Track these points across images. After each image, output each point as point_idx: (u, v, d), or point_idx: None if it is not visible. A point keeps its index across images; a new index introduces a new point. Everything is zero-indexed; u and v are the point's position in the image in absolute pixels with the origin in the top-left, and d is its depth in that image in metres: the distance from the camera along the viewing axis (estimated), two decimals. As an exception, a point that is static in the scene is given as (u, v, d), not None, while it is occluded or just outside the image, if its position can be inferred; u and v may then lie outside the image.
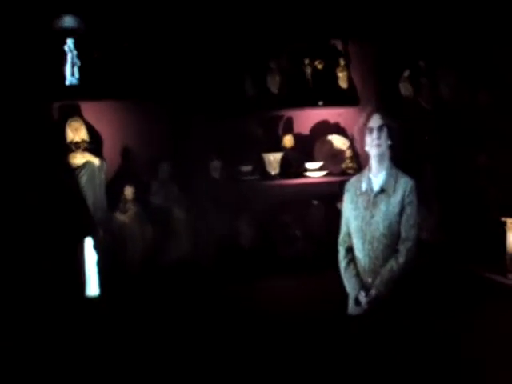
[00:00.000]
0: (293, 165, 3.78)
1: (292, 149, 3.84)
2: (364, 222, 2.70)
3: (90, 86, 3.31)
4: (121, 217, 3.41)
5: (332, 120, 4.00)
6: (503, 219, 3.31)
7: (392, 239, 2.69)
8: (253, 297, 3.33)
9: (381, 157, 2.76)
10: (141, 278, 3.33)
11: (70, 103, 3.43)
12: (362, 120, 2.87)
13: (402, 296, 2.75)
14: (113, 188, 3.47)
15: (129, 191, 3.42)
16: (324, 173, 3.75)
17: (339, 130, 3.97)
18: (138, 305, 3.16)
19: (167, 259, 3.44)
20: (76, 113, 3.46)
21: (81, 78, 3.28)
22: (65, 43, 3.17)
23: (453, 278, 3.50)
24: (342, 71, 3.85)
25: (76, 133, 3.43)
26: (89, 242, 3.08)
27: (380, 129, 2.75)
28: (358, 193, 2.76)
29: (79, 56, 3.27)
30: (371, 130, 2.75)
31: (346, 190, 2.85)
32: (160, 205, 3.52)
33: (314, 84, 3.82)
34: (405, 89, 3.97)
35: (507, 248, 3.27)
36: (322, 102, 3.72)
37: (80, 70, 3.32)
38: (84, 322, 2.70)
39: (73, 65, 3.16)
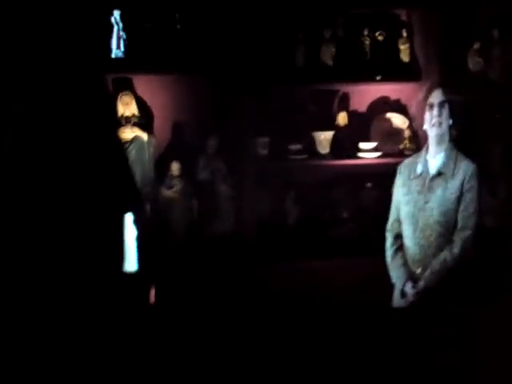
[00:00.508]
0: (346, 144, 3.61)
1: (346, 127, 3.65)
2: (417, 207, 2.53)
3: (138, 59, 3.29)
4: (167, 192, 3.42)
5: (392, 97, 3.75)
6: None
7: (447, 227, 2.50)
8: (292, 277, 3.25)
9: (440, 137, 2.56)
10: (184, 253, 3.35)
11: (121, 77, 3.44)
12: (421, 95, 2.67)
13: (455, 290, 2.56)
14: (162, 163, 3.48)
15: (175, 167, 3.42)
16: (379, 154, 3.55)
17: (399, 107, 3.72)
18: (177, 280, 3.18)
19: (211, 235, 3.43)
20: (128, 87, 3.48)
21: (129, 51, 3.27)
22: (112, 15, 3.17)
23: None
24: (404, 43, 3.58)
25: (126, 107, 3.46)
26: (129, 217, 3.11)
27: (441, 105, 2.55)
28: (412, 176, 2.58)
29: (127, 28, 3.25)
30: (431, 107, 2.56)
31: (398, 172, 2.67)
32: (207, 180, 3.50)
33: (373, 57, 3.58)
34: (474, 62, 3.64)
35: None
36: (381, 77, 3.48)
37: (129, 42, 3.31)
38: (121, 297, 2.74)
39: (119, 37, 3.15)
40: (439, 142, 2.58)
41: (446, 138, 2.61)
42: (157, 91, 3.58)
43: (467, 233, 2.49)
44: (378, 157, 3.53)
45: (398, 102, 3.73)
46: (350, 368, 2.44)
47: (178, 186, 3.43)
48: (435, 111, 2.56)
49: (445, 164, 2.57)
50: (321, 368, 2.50)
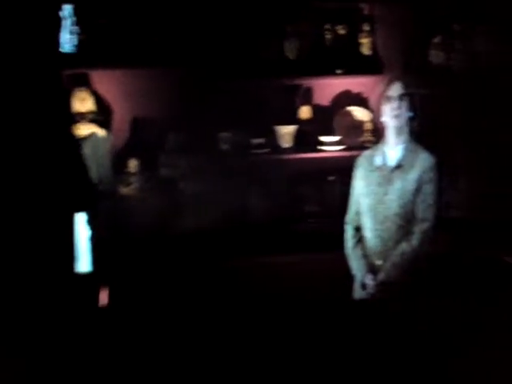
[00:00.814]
0: (308, 138, 3.56)
1: (309, 121, 3.60)
2: (376, 199, 2.50)
3: (91, 54, 3.20)
4: (124, 190, 3.33)
5: (355, 90, 3.73)
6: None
7: (407, 220, 2.49)
8: (257, 273, 3.19)
9: (399, 129, 2.55)
10: (144, 252, 3.25)
11: (77, 73, 3.34)
12: (380, 88, 2.65)
13: (415, 281, 2.53)
14: (121, 160, 3.39)
15: (132, 164, 3.34)
16: (341, 147, 3.51)
17: (362, 100, 3.70)
18: (136, 279, 3.10)
19: (173, 233, 3.34)
20: (84, 83, 3.38)
21: (82, 46, 3.17)
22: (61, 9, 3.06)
23: (475, 261, 3.21)
24: (365, 37, 3.55)
25: (82, 103, 3.35)
26: (82, 217, 3.01)
27: (400, 98, 2.54)
28: (371, 168, 2.56)
29: (81, 23, 3.16)
30: (390, 99, 2.54)
31: (357, 164, 2.65)
32: (167, 177, 3.41)
33: (335, 51, 3.55)
34: (435, 56, 3.62)
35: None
36: (341, 71, 3.45)
37: (83, 36, 3.22)
38: (73, 298, 2.64)
39: (70, 32, 3.05)
40: (398, 134, 2.57)
41: (405, 130, 2.61)
42: (116, 87, 3.49)
43: (426, 225, 2.48)
44: (341, 150, 3.50)
45: (360, 95, 3.70)
46: (314, 362, 2.40)
47: (136, 183, 3.34)
48: (394, 104, 2.55)
49: (403, 156, 2.56)
50: (284, 363, 2.45)
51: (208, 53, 3.29)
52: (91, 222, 2.99)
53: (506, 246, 3.17)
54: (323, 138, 3.51)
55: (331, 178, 3.51)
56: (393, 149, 2.57)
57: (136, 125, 3.50)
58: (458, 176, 3.53)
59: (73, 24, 3.06)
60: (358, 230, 2.63)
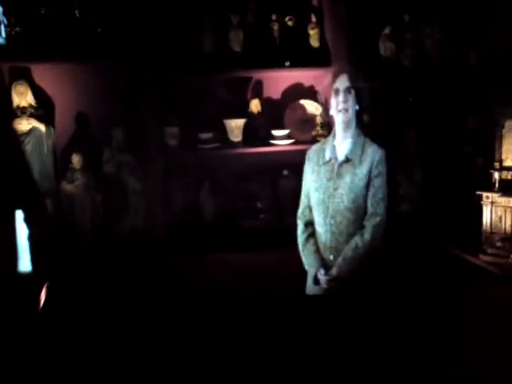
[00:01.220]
0: (259, 132, 3.50)
1: (259, 114, 3.54)
2: (327, 194, 2.45)
3: (24, 47, 3.08)
4: (68, 186, 3.22)
5: (306, 83, 3.68)
6: (478, 193, 2.98)
7: (358, 214, 2.44)
8: (205, 271, 3.13)
9: (347, 123, 2.50)
10: (89, 251, 3.15)
11: (17, 66, 3.22)
12: (327, 81, 2.61)
13: (368, 276, 2.49)
14: (64, 156, 3.28)
15: (76, 159, 3.22)
16: (291, 141, 3.47)
17: (313, 94, 3.66)
18: (81, 279, 2.99)
19: (118, 231, 3.25)
20: (23, 76, 3.25)
21: (18, 38, 3.05)
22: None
23: (426, 254, 3.21)
24: (313, 29, 3.50)
25: (21, 97, 3.23)
26: (20, 215, 2.89)
27: (347, 91, 2.47)
28: (321, 162, 2.51)
29: (16, 14, 3.03)
30: (337, 92, 2.48)
31: (307, 158, 2.59)
32: (112, 174, 3.31)
33: (282, 43, 3.49)
34: (385, 47, 3.62)
35: (483, 226, 2.95)
36: (289, 63, 3.39)
37: (19, 29, 3.09)
38: (16, 297, 2.53)
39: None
40: (346, 127, 2.52)
41: (353, 123, 2.56)
42: (58, 80, 3.37)
43: (377, 219, 2.44)
44: (291, 144, 3.45)
45: (311, 88, 3.66)
46: (266, 358, 2.35)
47: (79, 179, 3.23)
48: (341, 97, 2.50)
49: (352, 150, 2.50)
50: (236, 359, 2.39)
51: (150, 46, 3.19)
52: (30, 221, 2.87)
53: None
54: (274, 132, 3.45)
55: (285, 172, 3.45)
56: (341, 143, 2.51)
57: (80, 119, 3.39)
58: (412, 169, 3.53)
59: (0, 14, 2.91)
60: (309, 224, 2.57)
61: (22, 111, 3.22)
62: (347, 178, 2.45)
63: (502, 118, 2.90)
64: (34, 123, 3.22)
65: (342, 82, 2.52)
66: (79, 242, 3.19)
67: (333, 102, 2.52)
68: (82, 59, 3.17)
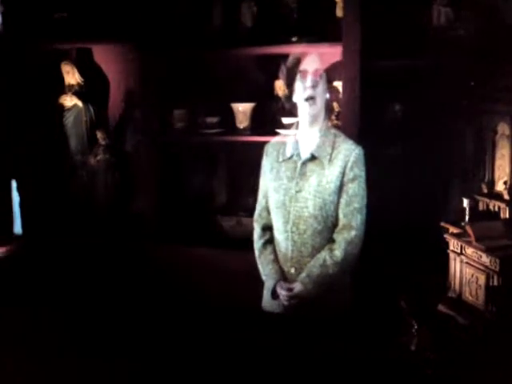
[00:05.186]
0: (275, 118, 3.10)
1: (286, 98, 3.11)
2: (288, 196, 2.13)
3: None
4: (91, 161, 3.47)
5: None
6: (444, 224, 2.08)
7: (326, 224, 2.08)
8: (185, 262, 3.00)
9: (314, 115, 2.15)
10: (84, 223, 3.37)
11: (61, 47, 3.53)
12: (291, 60, 2.25)
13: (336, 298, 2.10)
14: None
15: (99, 136, 3.43)
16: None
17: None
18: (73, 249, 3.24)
19: (127, 210, 3.38)
20: (69, 56, 3.57)
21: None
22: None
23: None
24: (340, -6, 2.86)
25: (67, 76, 3.56)
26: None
27: (316, 75, 2.11)
28: (281, 159, 2.20)
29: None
30: (304, 76, 2.13)
31: (265, 153, 2.30)
32: (131, 153, 3.43)
33: (305, 13, 2.96)
34: (439, 13, 2.72)
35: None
36: (297, 38, 2.86)
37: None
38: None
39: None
40: (313, 120, 2.12)
41: (322, 114, 2.15)
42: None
43: (352, 233, 2.02)
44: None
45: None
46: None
47: (101, 155, 3.44)
48: (308, 81, 2.12)
49: (319, 147, 2.11)
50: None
51: (157, 23, 3.11)
52: (20, 189, 3.26)
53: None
54: (284, 120, 3.01)
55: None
56: (306, 137, 2.12)
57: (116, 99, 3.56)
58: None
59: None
60: (268, 229, 2.22)
61: (69, 89, 3.56)
62: (313, 180, 2.07)
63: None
64: (76, 100, 3.53)
65: (311, 63, 2.10)
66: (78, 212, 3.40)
67: (298, 86, 2.13)
68: (99, 40, 3.27)
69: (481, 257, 1.86)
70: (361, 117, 2.69)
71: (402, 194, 2.59)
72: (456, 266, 1.98)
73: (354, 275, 2.17)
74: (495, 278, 1.80)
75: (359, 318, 2.18)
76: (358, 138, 2.52)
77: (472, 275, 1.91)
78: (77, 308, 2.85)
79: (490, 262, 1.81)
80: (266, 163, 2.21)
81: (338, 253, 2.00)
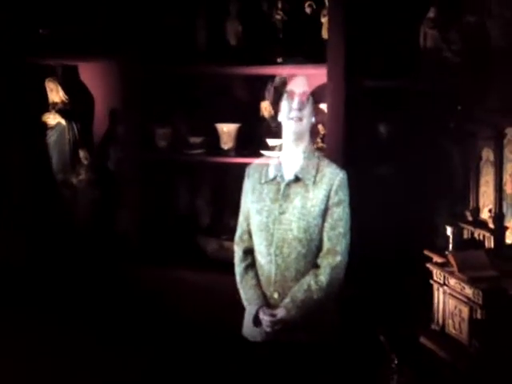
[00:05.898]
0: (261, 139, 3.04)
1: (272, 119, 3.07)
2: (271, 218, 2.04)
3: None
4: (74, 180, 3.41)
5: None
6: (427, 253, 2.01)
7: (310, 247, 2.01)
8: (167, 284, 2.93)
9: (299, 134, 2.10)
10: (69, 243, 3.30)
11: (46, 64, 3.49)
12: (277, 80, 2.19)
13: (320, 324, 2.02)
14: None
15: (82, 155, 3.37)
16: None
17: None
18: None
19: (102, 230, 3.31)
20: (54, 73, 3.53)
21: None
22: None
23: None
24: (325, 16, 2.82)
25: (51, 93, 3.51)
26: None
27: (303, 97, 2.04)
28: (264, 180, 2.13)
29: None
30: (291, 96, 2.06)
31: (246, 175, 2.23)
32: (113, 171, 3.37)
33: (290, 34, 2.92)
34: (426, 36, 2.69)
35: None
36: (282, 59, 2.82)
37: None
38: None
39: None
40: (297, 139, 2.05)
41: (306, 137, 2.08)
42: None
43: (337, 259, 1.97)
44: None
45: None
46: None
47: (83, 174, 3.38)
48: (295, 103, 2.07)
49: (303, 169, 2.04)
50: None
51: (142, 39, 3.07)
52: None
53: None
54: (268, 141, 2.96)
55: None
56: (290, 158, 2.07)
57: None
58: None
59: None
60: (249, 252, 2.15)
61: (53, 106, 3.50)
62: (297, 202, 2.01)
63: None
64: (59, 118, 3.47)
65: (298, 85, 2.06)
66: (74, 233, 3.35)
67: (284, 106, 2.07)
68: (86, 56, 3.23)
69: (464, 288, 1.79)
70: (346, 139, 2.64)
71: (387, 218, 2.52)
72: (439, 296, 1.91)
73: (337, 302, 2.10)
74: (478, 311, 1.73)
75: (341, 345, 2.11)
76: (343, 160, 2.47)
77: (455, 307, 1.84)
78: (58, 329, 2.80)
79: (473, 294, 1.75)
80: (248, 185, 2.16)
81: (323, 278, 1.96)
